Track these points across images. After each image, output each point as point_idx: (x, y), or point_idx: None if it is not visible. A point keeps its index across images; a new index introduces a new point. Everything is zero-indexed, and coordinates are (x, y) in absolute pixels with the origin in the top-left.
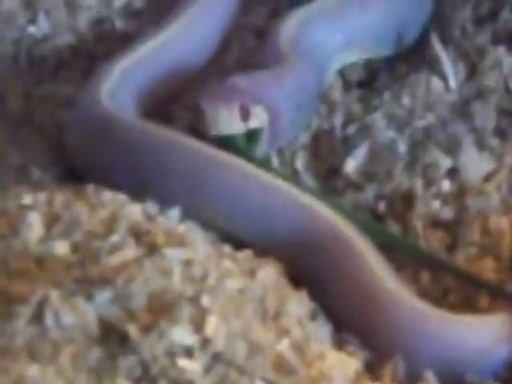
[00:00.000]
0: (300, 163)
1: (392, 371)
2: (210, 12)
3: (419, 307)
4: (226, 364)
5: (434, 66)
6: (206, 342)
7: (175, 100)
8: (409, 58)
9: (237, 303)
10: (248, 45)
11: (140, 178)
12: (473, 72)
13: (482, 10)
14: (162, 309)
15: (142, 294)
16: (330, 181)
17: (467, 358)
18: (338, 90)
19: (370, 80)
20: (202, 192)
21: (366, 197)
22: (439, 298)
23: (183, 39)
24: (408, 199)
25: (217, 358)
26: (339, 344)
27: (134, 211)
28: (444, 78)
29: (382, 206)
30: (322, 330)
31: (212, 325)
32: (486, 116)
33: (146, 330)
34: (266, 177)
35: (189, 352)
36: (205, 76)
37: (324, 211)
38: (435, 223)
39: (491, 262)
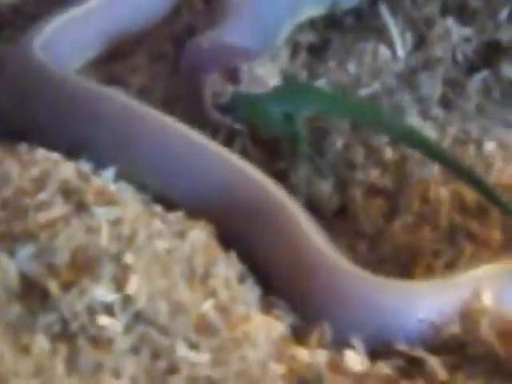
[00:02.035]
0: None
1: (318, 336)
2: None
3: (348, 269)
4: (147, 323)
5: (382, 35)
6: (127, 301)
7: (116, 58)
8: (357, 26)
9: (163, 263)
10: (196, 8)
11: (73, 135)
12: (421, 42)
13: None
14: (84, 266)
15: (65, 250)
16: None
17: (394, 322)
18: (285, 55)
19: (320, 46)
20: (133, 150)
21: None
22: (376, 266)
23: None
24: (350, 166)
25: (138, 316)
26: (267, 307)
27: (67, 170)
28: (391, 46)
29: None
30: (249, 293)
31: (134, 283)
32: (431, 86)
33: (67, 286)
34: (200, 138)
35: (109, 310)
36: (154, 38)
37: (256, 174)
38: (375, 191)
39: (429, 231)
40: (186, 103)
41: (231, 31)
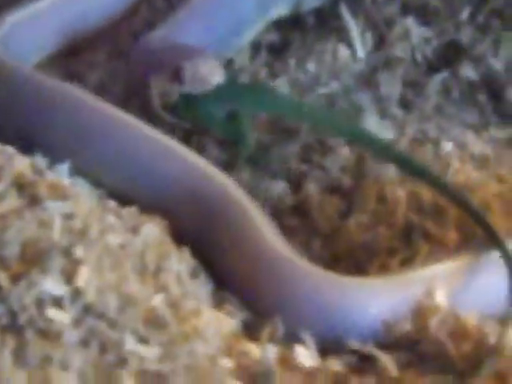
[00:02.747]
0: None
1: (270, 331)
2: None
3: (300, 265)
4: (96, 316)
5: (343, 35)
6: (76, 293)
7: (74, 54)
8: (318, 26)
9: (115, 257)
10: (156, 5)
11: (28, 130)
12: (381, 42)
13: None
14: (34, 258)
15: (16, 242)
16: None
17: (346, 318)
18: (245, 54)
19: (280, 45)
20: (89, 145)
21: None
22: (331, 264)
23: None
24: (307, 165)
25: (87, 309)
26: (219, 303)
27: (22, 164)
28: (352, 46)
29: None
30: (201, 288)
31: (84, 276)
32: (391, 86)
33: (17, 279)
34: (156, 134)
35: (58, 303)
36: (113, 35)
37: (211, 170)
38: (331, 190)
39: (384, 229)
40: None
41: (182, 29)
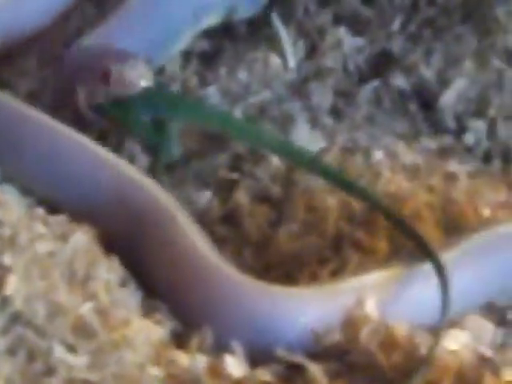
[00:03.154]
0: None
1: (199, 340)
2: None
3: (229, 274)
4: (24, 324)
5: (274, 44)
6: (4, 302)
7: (4, 61)
8: (249, 34)
9: (43, 265)
10: (87, 12)
11: None
12: (312, 51)
13: None
14: None
15: None
16: None
17: (275, 328)
18: (176, 62)
19: (211, 54)
20: (18, 152)
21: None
22: (262, 274)
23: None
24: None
25: (15, 318)
26: (148, 312)
27: None
28: (283, 55)
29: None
30: (131, 297)
31: (12, 284)
32: (322, 95)
33: None
34: (86, 142)
35: None
36: (44, 42)
37: (141, 178)
38: (261, 199)
39: (314, 239)
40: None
41: (113, 35)
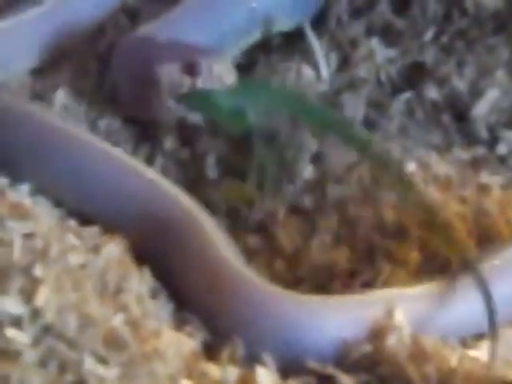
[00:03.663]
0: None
1: (230, 352)
2: None
3: (259, 285)
4: (55, 336)
5: (307, 55)
6: (35, 313)
7: (39, 73)
8: (283, 46)
9: (75, 277)
10: (121, 25)
11: None
12: (345, 62)
13: (358, 1)
14: None
15: None
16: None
17: (307, 339)
18: None
19: (246, 65)
20: (50, 165)
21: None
22: (293, 286)
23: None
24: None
25: (46, 329)
26: (179, 323)
27: None
28: (316, 67)
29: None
30: (162, 309)
31: (43, 296)
32: (355, 106)
33: None
34: (116, 153)
35: (17, 322)
36: (78, 55)
37: (171, 189)
38: (295, 210)
39: (346, 250)
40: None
41: (176, 28)
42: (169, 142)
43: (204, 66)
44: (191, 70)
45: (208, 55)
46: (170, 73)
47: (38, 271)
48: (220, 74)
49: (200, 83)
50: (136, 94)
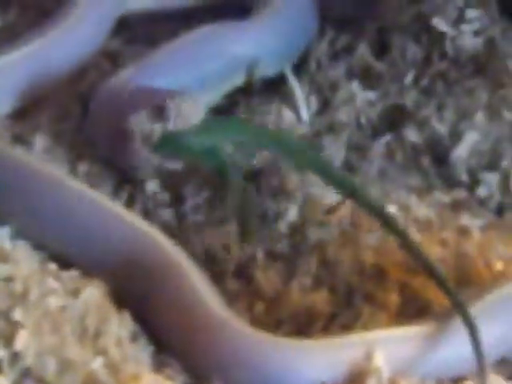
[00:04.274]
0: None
1: None
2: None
3: (239, 328)
4: (34, 380)
5: (287, 98)
6: (15, 357)
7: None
8: (263, 88)
9: (54, 321)
10: (103, 68)
11: None
12: (326, 105)
13: (338, 45)
14: None
15: None
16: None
17: (285, 381)
18: None
19: (226, 107)
20: (31, 208)
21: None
22: (273, 329)
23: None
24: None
25: (26, 373)
26: (159, 366)
27: None
28: (296, 109)
29: (231, 228)
30: (142, 352)
31: (22, 340)
32: (335, 149)
33: None
34: (98, 197)
35: None
36: (59, 97)
37: (152, 233)
38: (275, 252)
39: (326, 293)
40: (106, 147)
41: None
42: (149, 185)
43: (172, 107)
44: (160, 113)
45: (175, 96)
46: (140, 121)
47: (18, 315)
48: (189, 114)
49: (170, 126)
50: (111, 145)
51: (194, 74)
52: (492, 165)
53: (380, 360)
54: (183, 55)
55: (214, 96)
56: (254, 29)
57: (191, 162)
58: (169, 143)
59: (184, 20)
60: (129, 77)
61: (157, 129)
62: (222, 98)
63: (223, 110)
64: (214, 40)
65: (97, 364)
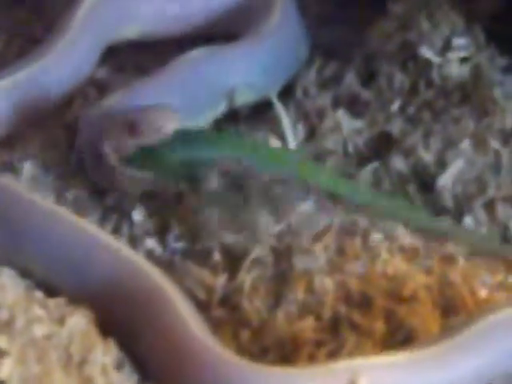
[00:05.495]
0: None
1: None
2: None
3: (225, 357)
4: None
5: (274, 126)
6: None
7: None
8: (250, 116)
9: (40, 349)
10: (90, 97)
11: None
12: (312, 133)
13: (325, 73)
14: None
15: None
16: None
17: None
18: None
19: None
20: (17, 235)
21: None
22: (259, 357)
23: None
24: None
25: None
26: None
27: None
28: (283, 137)
29: (216, 256)
30: (127, 380)
31: (7, 368)
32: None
33: None
34: (79, 223)
35: None
36: (46, 126)
37: (136, 259)
38: (260, 281)
39: (312, 321)
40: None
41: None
42: (136, 213)
43: (143, 121)
44: (133, 129)
45: (148, 109)
46: (113, 139)
47: (3, 343)
48: (161, 125)
49: (145, 140)
50: (96, 170)
51: (180, 101)
52: (478, 193)
53: None
54: (169, 82)
55: (200, 123)
56: (242, 54)
57: (164, 177)
58: (142, 158)
59: (173, 47)
60: (114, 103)
61: (131, 144)
62: (209, 126)
63: None
64: (200, 67)
65: None
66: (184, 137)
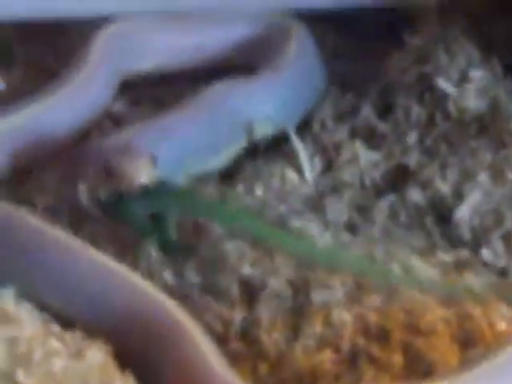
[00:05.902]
0: None
1: None
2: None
3: None
4: None
5: (291, 159)
6: None
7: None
8: (268, 150)
9: (58, 382)
10: (105, 129)
11: None
12: (329, 166)
13: (342, 106)
14: None
15: None
16: None
17: None
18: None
19: (231, 170)
20: (33, 268)
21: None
22: None
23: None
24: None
25: None
26: None
27: None
28: (300, 170)
29: (234, 289)
30: None
31: None
32: (338, 210)
33: None
34: (99, 257)
35: None
36: (64, 159)
37: (155, 294)
38: (279, 313)
39: (330, 354)
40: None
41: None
42: (152, 248)
43: (114, 166)
44: (107, 172)
45: (123, 154)
46: (87, 181)
47: (21, 376)
48: (130, 174)
49: (114, 186)
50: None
51: (205, 136)
52: (495, 225)
53: None
54: (195, 117)
55: (223, 159)
56: (262, 88)
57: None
58: (114, 206)
59: (189, 81)
60: (132, 136)
61: (101, 187)
62: (230, 161)
63: (228, 174)
64: (223, 101)
65: None
66: (150, 189)
